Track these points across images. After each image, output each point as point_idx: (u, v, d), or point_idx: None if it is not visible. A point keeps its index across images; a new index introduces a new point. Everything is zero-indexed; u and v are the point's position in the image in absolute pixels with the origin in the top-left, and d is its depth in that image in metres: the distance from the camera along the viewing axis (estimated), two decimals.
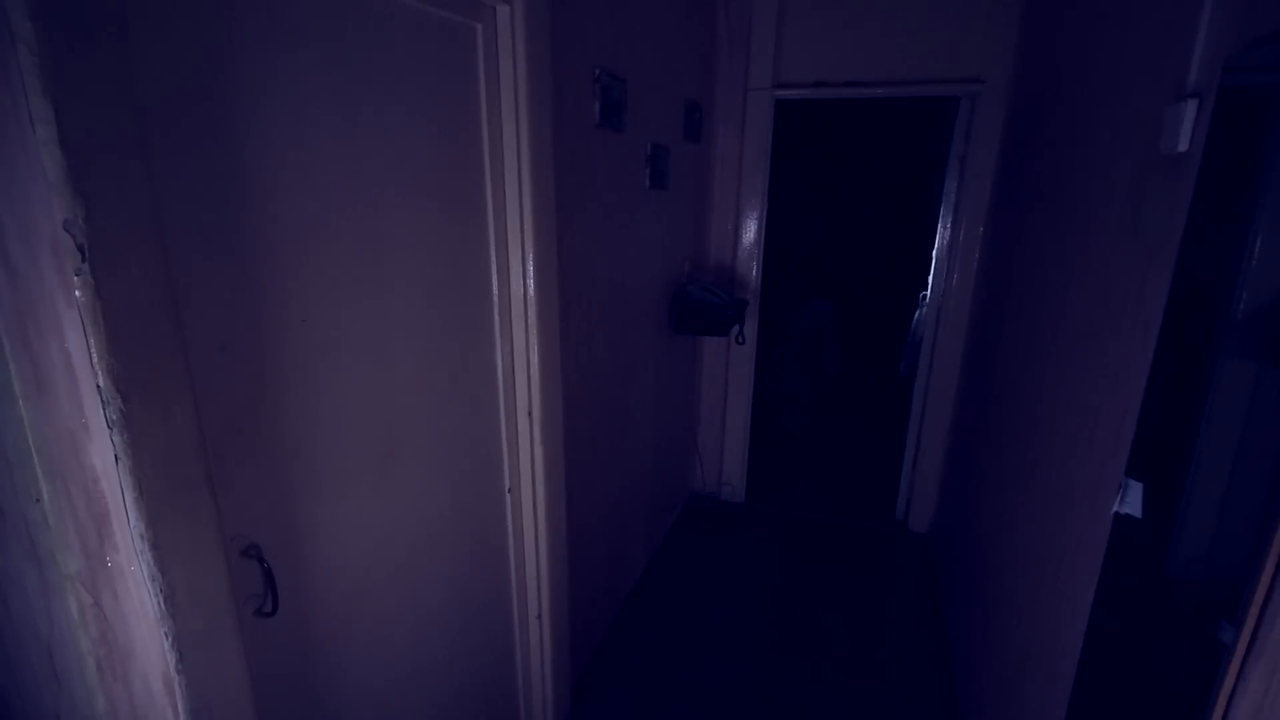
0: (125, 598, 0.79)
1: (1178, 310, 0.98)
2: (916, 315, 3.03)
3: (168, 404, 0.75)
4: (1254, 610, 0.72)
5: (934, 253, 2.88)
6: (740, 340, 3.03)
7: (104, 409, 0.70)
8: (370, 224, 1.11)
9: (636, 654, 2.27)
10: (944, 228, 2.84)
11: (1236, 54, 0.86)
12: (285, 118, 0.93)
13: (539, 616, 1.76)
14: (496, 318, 1.49)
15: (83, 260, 0.66)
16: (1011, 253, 2.14)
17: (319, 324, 1.03)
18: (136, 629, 0.80)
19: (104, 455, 0.72)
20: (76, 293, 0.66)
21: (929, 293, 2.91)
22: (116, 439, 0.71)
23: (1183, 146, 0.95)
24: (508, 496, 1.62)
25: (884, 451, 3.71)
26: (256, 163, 0.89)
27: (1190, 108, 0.94)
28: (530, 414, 1.59)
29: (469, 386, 1.44)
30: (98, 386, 0.69)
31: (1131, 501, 1.03)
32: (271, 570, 0.95)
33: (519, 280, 1.50)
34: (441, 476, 1.37)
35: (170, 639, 0.78)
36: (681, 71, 2.41)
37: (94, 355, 0.68)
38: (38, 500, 0.79)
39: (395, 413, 1.22)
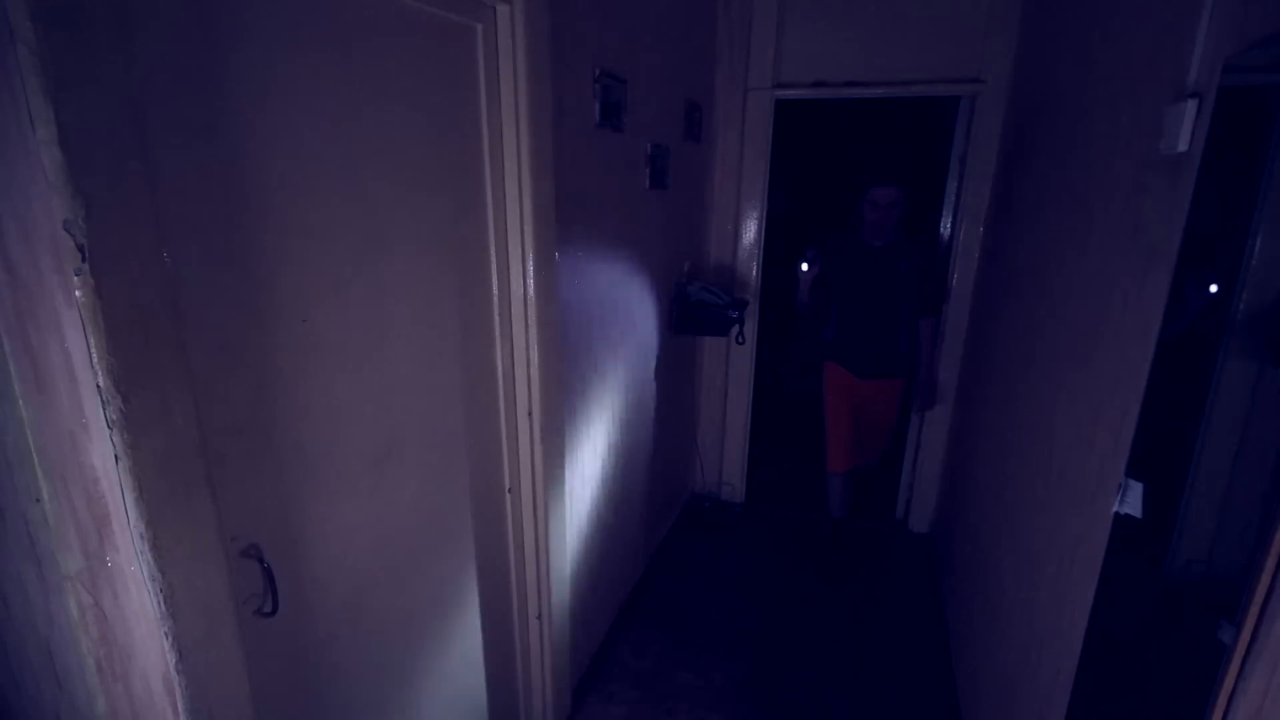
0: (125, 598, 0.79)
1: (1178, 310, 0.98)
2: None
3: (168, 404, 0.75)
4: (1254, 610, 0.72)
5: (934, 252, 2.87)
6: (740, 340, 3.03)
7: (104, 409, 0.70)
8: (370, 224, 1.11)
9: (636, 654, 2.27)
10: (944, 227, 2.84)
11: (1236, 54, 0.86)
12: (285, 118, 0.93)
13: (539, 616, 1.76)
14: (496, 318, 1.49)
15: (83, 260, 0.66)
16: (1011, 253, 2.13)
17: (319, 324, 1.03)
18: (136, 629, 0.80)
19: (104, 455, 0.72)
20: (76, 293, 0.66)
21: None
22: (116, 439, 0.71)
23: (1183, 146, 0.95)
24: (508, 496, 1.62)
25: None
26: (256, 163, 0.89)
27: (1190, 108, 0.94)
28: (530, 414, 1.59)
29: (469, 386, 1.44)
30: (98, 386, 0.69)
31: (1131, 501, 1.03)
32: (271, 570, 0.95)
33: (519, 280, 1.50)
34: (441, 476, 1.37)
35: (170, 639, 0.78)
36: (681, 71, 2.41)
37: (94, 355, 0.68)
38: (38, 500, 0.79)
39: (395, 413, 1.22)
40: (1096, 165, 1.37)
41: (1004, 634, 1.63)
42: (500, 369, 1.53)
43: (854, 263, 2.56)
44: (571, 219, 1.67)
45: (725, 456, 3.32)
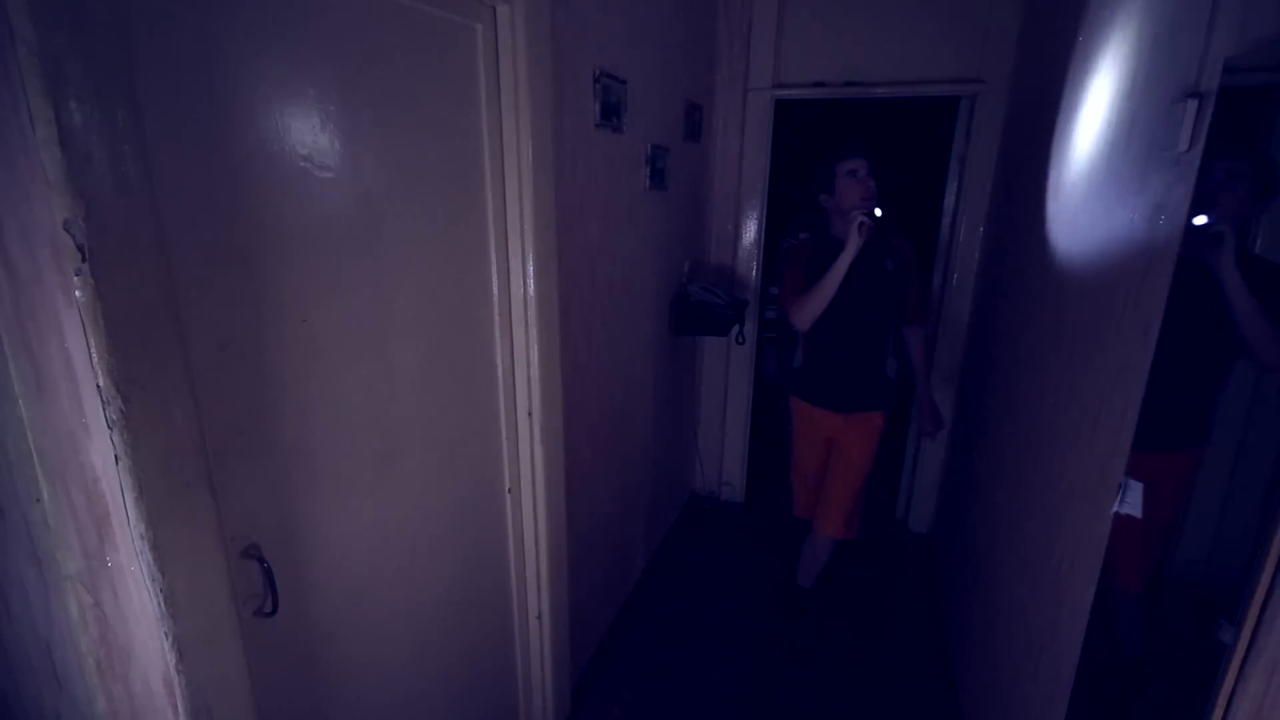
0: (125, 598, 0.79)
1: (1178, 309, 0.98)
2: None
3: (168, 404, 0.75)
4: (1254, 610, 0.72)
5: (934, 251, 2.87)
6: (740, 340, 3.03)
7: (104, 409, 0.70)
8: (370, 224, 1.11)
9: (636, 654, 2.27)
10: (944, 228, 2.84)
11: (1236, 54, 0.86)
12: (285, 117, 0.93)
13: (539, 616, 1.76)
14: (496, 318, 1.49)
15: (83, 260, 0.66)
16: (1011, 252, 2.13)
17: (319, 324, 1.03)
18: (136, 629, 0.80)
19: (104, 455, 0.72)
20: (76, 293, 0.66)
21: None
22: (116, 439, 0.71)
23: (1182, 146, 0.95)
24: (508, 496, 1.62)
25: (884, 452, 3.70)
26: (256, 163, 0.89)
27: (1190, 108, 0.93)
28: (530, 414, 1.59)
29: (469, 386, 1.44)
30: (98, 386, 0.69)
31: (1131, 501, 1.03)
32: (271, 570, 0.95)
33: (519, 280, 1.50)
34: (441, 476, 1.37)
35: (170, 639, 0.78)
36: (681, 71, 2.41)
37: (94, 355, 0.68)
38: (38, 500, 0.79)
39: (395, 413, 1.22)
40: (1096, 165, 1.37)
41: (1004, 634, 1.62)
42: (500, 369, 1.53)
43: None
44: (571, 219, 1.67)
45: (725, 456, 3.32)
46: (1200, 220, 1.10)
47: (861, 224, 1.91)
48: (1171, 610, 1.21)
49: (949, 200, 2.81)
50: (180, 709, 0.81)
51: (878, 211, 1.95)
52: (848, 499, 2.21)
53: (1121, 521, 1.29)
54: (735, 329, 2.89)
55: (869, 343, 2.11)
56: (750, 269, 3.05)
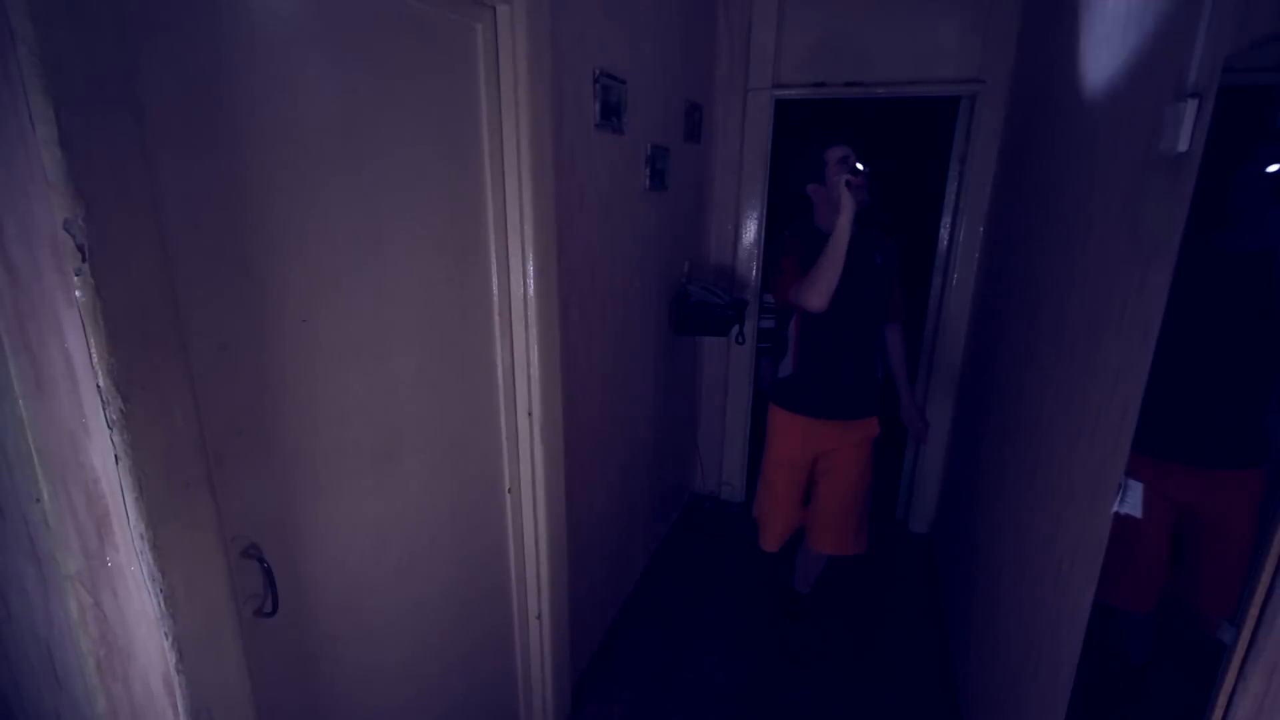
0: (125, 598, 0.79)
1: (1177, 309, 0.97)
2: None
3: (168, 404, 0.75)
4: (1254, 610, 0.72)
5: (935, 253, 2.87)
6: (740, 340, 3.03)
7: (104, 409, 0.70)
8: (370, 224, 1.11)
9: (636, 654, 2.27)
10: (944, 228, 2.84)
11: (1236, 54, 0.86)
12: (285, 117, 0.93)
13: (539, 616, 1.76)
14: (496, 318, 1.49)
15: (83, 260, 0.66)
16: (1011, 253, 2.13)
17: (319, 324, 1.03)
18: (136, 629, 0.80)
19: (104, 455, 0.72)
20: (76, 293, 0.66)
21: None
22: (116, 439, 0.71)
23: (1183, 146, 0.95)
24: (508, 496, 1.62)
25: (884, 452, 3.70)
26: (256, 163, 0.89)
27: (1190, 108, 0.93)
28: (530, 414, 1.59)
29: (469, 386, 1.44)
30: (98, 386, 0.69)
31: (1131, 501, 1.03)
32: (271, 570, 0.95)
33: (519, 280, 1.50)
34: (441, 476, 1.38)
35: (170, 639, 0.78)
36: (681, 72, 2.41)
37: (94, 355, 0.68)
38: (38, 500, 0.79)
39: (395, 413, 1.22)
40: (1096, 165, 1.37)
41: (1004, 634, 1.62)
42: (500, 369, 1.53)
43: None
44: (571, 219, 1.67)
45: (725, 456, 3.32)
46: (1274, 168, 1.01)
47: (849, 182, 1.76)
48: (1170, 610, 1.21)
49: (949, 200, 2.81)
50: (180, 709, 0.81)
51: (860, 166, 1.85)
52: (851, 512, 2.10)
53: (1140, 542, 1.22)
54: (735, 329, 2.89)
55: (863, 343, 2.01)
56: (750, 269, 3.05)
